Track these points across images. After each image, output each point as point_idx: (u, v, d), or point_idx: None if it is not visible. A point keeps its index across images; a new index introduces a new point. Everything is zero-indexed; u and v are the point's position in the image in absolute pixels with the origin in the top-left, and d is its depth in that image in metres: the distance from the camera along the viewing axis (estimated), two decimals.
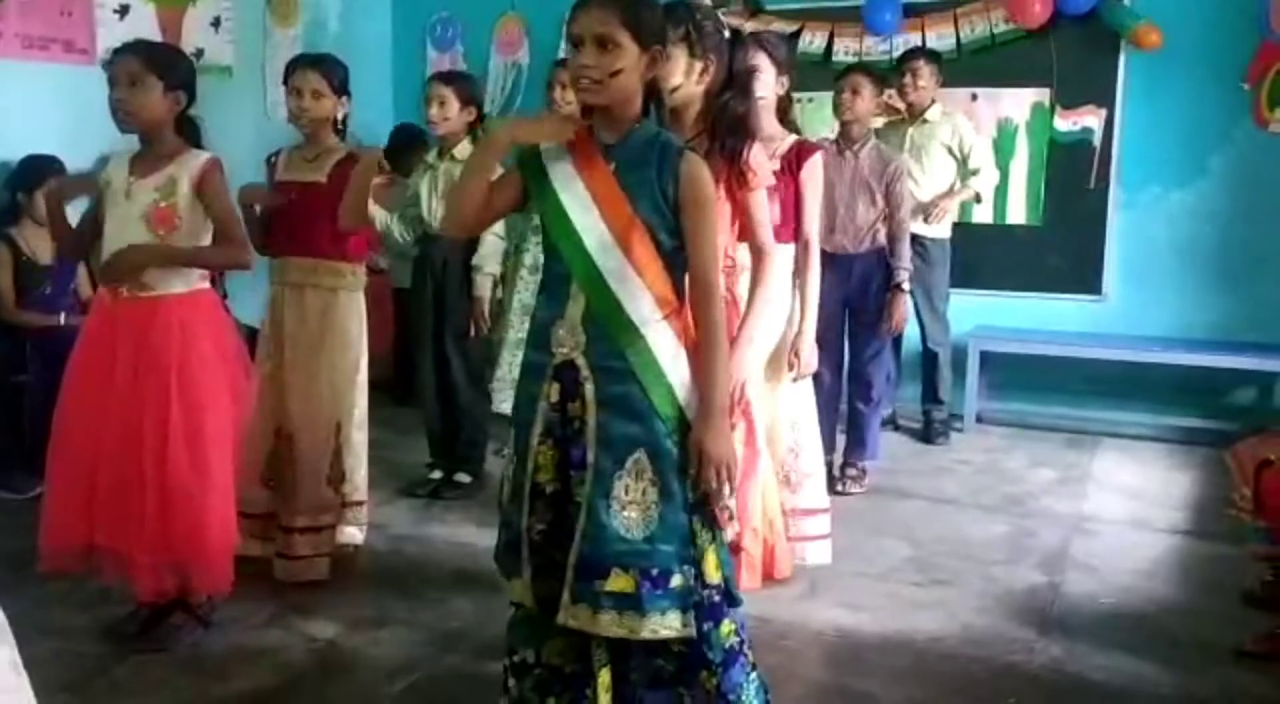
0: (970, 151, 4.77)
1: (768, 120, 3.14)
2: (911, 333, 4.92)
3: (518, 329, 4.19)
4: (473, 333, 3.89)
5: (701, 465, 1.95)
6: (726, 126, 2.44)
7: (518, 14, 6.15)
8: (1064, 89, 5.15)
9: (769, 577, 3.02)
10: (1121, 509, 3.99)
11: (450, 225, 2.15)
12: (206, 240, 2.66)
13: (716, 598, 2.02)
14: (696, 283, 2.00)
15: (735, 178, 2.44)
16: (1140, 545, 3.62)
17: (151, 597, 2.66)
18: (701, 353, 1.99)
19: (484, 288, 3.84)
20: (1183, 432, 4.88)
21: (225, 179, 2.67)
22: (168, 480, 2.53)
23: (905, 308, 4.23)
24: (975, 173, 4.79)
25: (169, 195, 2.59)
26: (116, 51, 2.67)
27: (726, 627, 2.04)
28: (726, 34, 2.47)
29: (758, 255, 2.52)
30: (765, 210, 2.55)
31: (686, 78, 2.41)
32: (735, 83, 2.45)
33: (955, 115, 4.81)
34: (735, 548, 2.76)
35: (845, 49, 5.45)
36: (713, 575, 2.02)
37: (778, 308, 2.98)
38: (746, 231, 2.52)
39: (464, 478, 3.99)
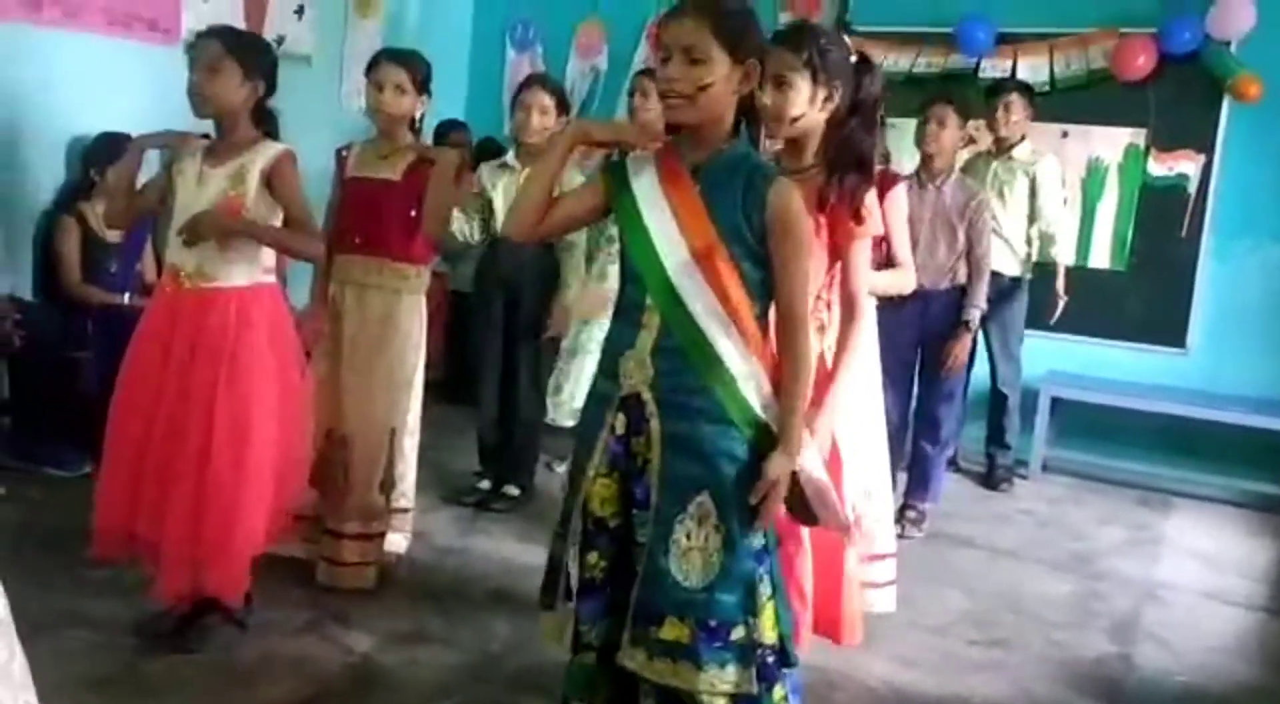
0: (1041, 208, 4.52)
1: None
2: (980, 372, 4.76)
3: (573, 338, 4.10)
4: (549, 334, 3.80)
5: (767, 497, 1.85)
6: (847, 160, 2.29)
7: (599, 18, 6.08)
8: (1161, 132, 4.95)
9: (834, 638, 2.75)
10: (1197, 577, 3.79)
11: (512, 227, 2.03)
12: None
13: (770, 659, 1.90)
14: (783, 314, 1.89)
15: (848, 218, 2.30)
16: (1217, 619, 3.43)
17: (169, 597, 2.58)
18: (783, 385, 1.88)
19: (572, 296, 3.75)
20: (1263, 498, 4.65)
21: (298, 170, 2.60)
22: (207, 474, 2.46)
23: (967, 348, 4.05)
24: (1050, 240, 4.58)
25: (238, 184, 2.54)
26: (200, 35, 2.62)
27: (779, 692, 1.92)
28: (853, 58, 2.33)
29: (849, 307, 2.34)
30: (867, 259, 2.40)
31: (810, 106, 2.27)
32: (861, 112, 2.31)
33: (1044, 158, 4.59)
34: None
35: (929, 63, 5.27)
36: (768, 634, 1.90)
37: (865, 364, 2.85)
38: (843, 278, 2.37)
39: (513, 490, 3.89)
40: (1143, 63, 4.85)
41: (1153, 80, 4.90)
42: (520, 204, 2.02)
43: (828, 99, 2.29)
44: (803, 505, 1.96)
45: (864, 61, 2.38)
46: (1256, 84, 4.66)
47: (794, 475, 1.90)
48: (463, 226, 3.74)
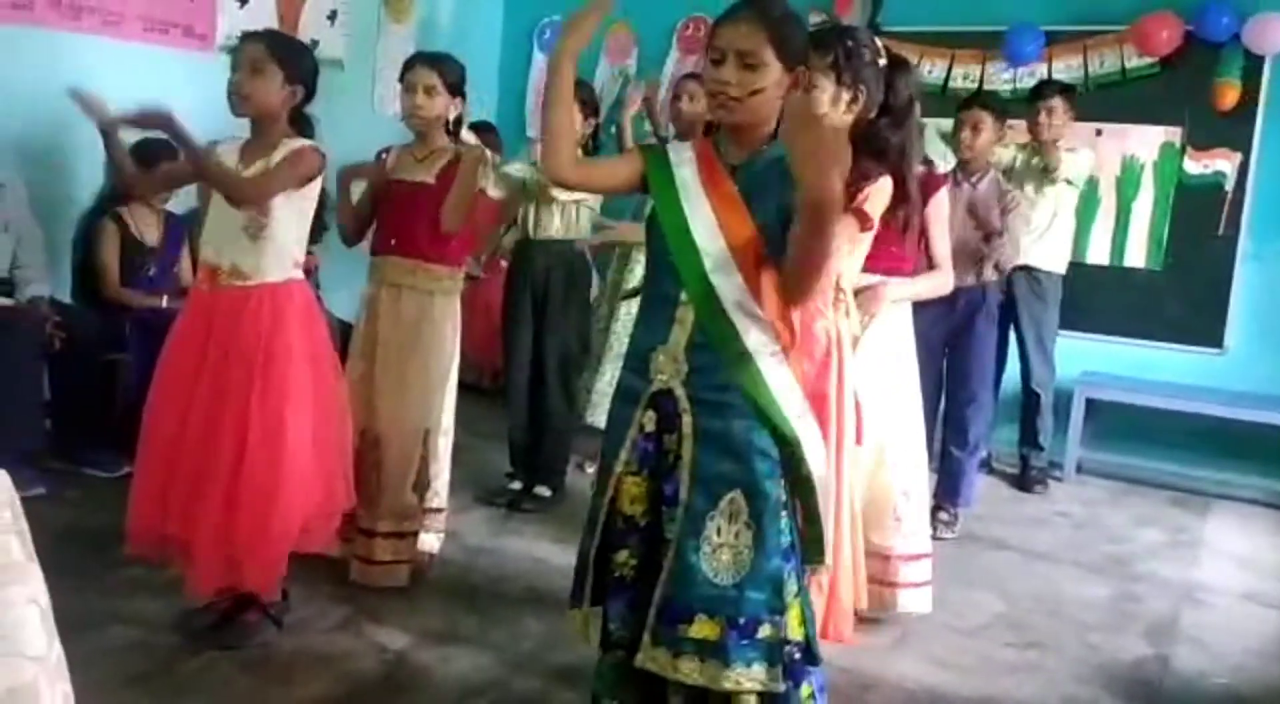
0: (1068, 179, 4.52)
1: None
2: (1013, 372, 4.73)
3: (622, 342, 4.11)
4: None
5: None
6: (870, 152, 2.31)
7: (627, 22, 6.09)
8: (1197, 129, 4.89)
9: (835, 638, 2.66)
10: (1236, 580, 3.74)
11: (550, 163, 1.88)
12: (297, 226, 2.62)
13: (797, 655, 1.92)
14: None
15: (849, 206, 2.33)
16: (1256, 621, 3.38)
17: (202, 592, 2.61)
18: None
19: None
20: None
21: (311, 165, 2.57)
22: (241, 472, 2.49)
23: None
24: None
25: None
26: (245, 36, 2.66)
27: (805, 690, 1.93)
28: (882, 62, 2.33)
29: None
30: (851, 245, 2.43)
31: (833, 107, 2.29)
32: (892, 113, 2.33)
33: (1078, 153, 4.57)
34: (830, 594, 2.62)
35: (964, 75, 5.26)
36: (795, 631, 1.91)
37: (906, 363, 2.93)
38: None
39: (544, 491, 3.90)
40: (1167, 37, 4.79)
41: (1186, 70, 4.83)
42: (550, 137, 1.87)
43: (853, 101, 2.30)
44: (811, 512, 1.94)
45: (897, 64, 2.39)
46: (1234, 91, 4.69)
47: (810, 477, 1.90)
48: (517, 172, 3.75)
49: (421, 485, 3.07)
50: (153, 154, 4.09)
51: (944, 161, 4.29)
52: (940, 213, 3.00)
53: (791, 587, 1.90)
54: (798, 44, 1.85)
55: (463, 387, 3.30)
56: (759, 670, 1.85)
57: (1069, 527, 4.27)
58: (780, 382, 1.86)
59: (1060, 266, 4.64)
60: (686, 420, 1.87)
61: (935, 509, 3.99)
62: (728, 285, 1.84)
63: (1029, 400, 4.74)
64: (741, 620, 1.84)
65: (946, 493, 4.06)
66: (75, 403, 3.85)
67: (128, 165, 2.68)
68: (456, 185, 2.99)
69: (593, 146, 3.81)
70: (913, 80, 2.70)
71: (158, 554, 2.62)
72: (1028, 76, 5.05)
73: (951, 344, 4.02)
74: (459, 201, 2.99)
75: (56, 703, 1.10)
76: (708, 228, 1.86)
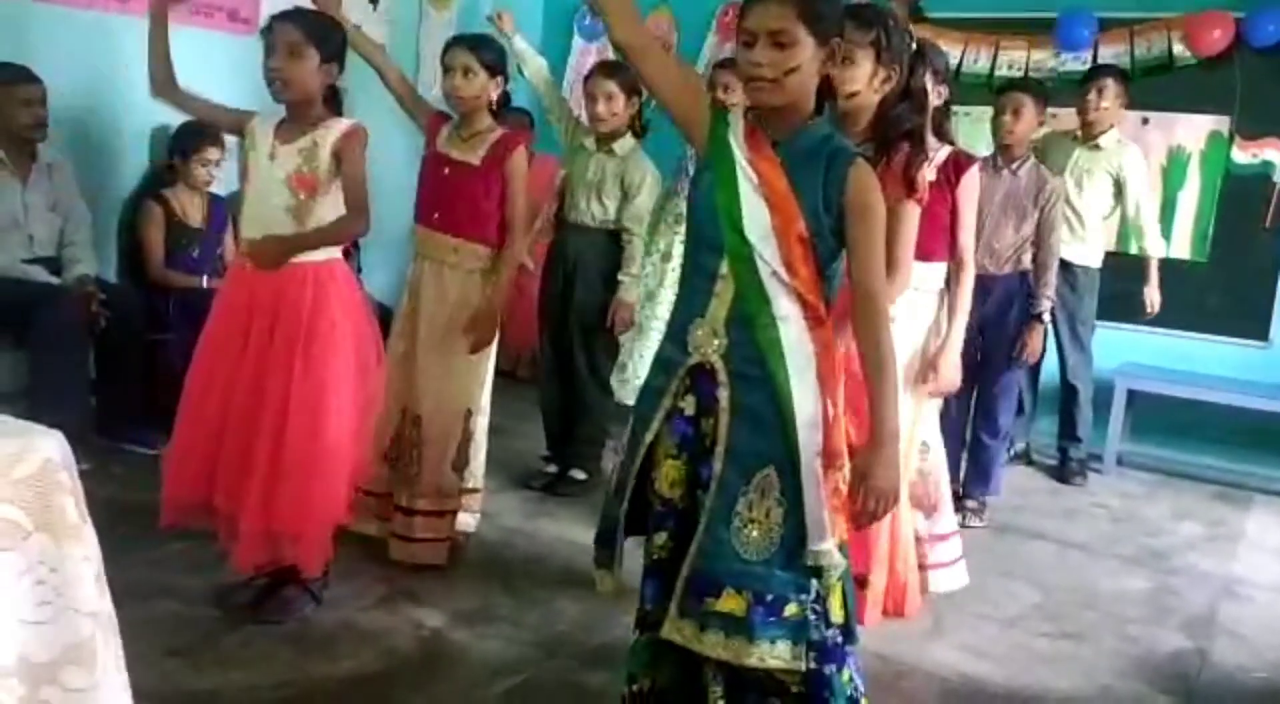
0: (1135, 200, 4.47)
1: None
2: (1051, 364, 4.67)
3: (638, 314, 4.11)
4: (616, 332, 3.82)
5: (864, 495, 1.81)
6: (898, 138, 2.33)
7: (668, 8, 6.07)
8: (1245, 118, 4.81)
9: (897, 613, 2.90)
10: (1277, 574, 3.69)
11: (616, 26, 1.83)
12: (338, 206, 2.62)
13: (840, 639, 1.90)
14: (858, 293, 1.85)
15: (900, 187, 2.35)
16: None
17: (246, 567, 2.64)
18: (868, 375, 1.84)
19: (631, 292, 3.76)
20: None
21: (364, 147, 2.61)
22: (284, 449, 2.51)
23: (1041, 339, 4.00)
24: (1138, 233, 4.53)
25: (311, 161, 2.57)
26: (275, 19, 2.65)
27: (846, 674, 1.92)
28: (914, 46, 2.36)
29: (893, 270, 2.32)
30: (913, 226, 2.44)
31: (868, 85, 2.31)
32: (912, 96, 2.34)
33: (1128, 149, 4.51)
34: (861, 581, 2.64)
35: (1009, 63, 5.20)
36: (837, 613, 1.90)
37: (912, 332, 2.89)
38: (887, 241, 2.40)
39: (579, 474, 3.92)
40: (1219, 36, 4.71)
41: (1237, 57, 4.75)
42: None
43: (886, 80, 2.32)
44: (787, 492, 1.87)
45: (919, 52, 2.45)
46: None
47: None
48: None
49: (461, 464, 3.10)
50: (194, 138, 4.16)
51: (986, 147, 4.25)
52: (970, 194, 2.99)
53: (835, 569, 1.89)
54: (830, 16, 1.81)
55: (500, 372, 3.32)
56: (783, 649, 1.84)
57: (1107, 519, 4.22)
58: (801, 354, 1.84)
59: (1095, 261, 4.58)
60: (724, 395, 1.86)
61: (964, 497, 3.97)
62: (768, 255, 1.83)
63: (1067, 393, 4.68)
64: (768, 597, 1.83)
65: (976, 481, 4.04)
66: (119, 381, 3.90)
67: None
68: (515, 186, 3.03)
69: (640, 126, 3.82)
70: (930, 68, 2.74)
71: (194, 523, 2.63)
72: (1073, 60, 4.98)
73: (984, 331, 3.98)
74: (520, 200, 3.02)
75: (111, 660, 1.12)
76: (756, 204, 1.84)
